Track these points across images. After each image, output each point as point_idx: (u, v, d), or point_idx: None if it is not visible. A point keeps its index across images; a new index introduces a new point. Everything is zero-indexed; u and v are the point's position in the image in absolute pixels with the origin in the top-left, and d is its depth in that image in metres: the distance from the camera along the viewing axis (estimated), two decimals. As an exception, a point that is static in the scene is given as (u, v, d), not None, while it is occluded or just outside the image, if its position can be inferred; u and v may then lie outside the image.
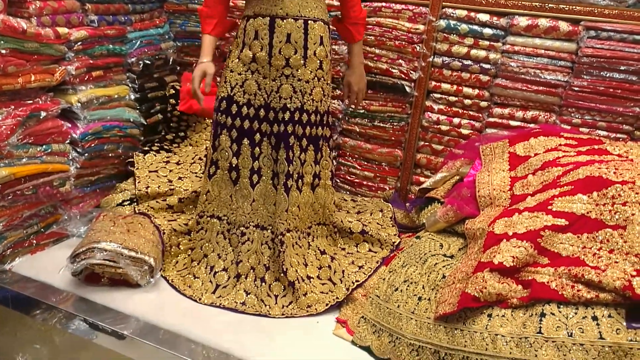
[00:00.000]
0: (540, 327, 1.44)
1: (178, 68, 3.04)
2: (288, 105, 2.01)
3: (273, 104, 2.02)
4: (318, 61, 2.01)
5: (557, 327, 1.43)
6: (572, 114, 2.31)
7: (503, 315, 1.52)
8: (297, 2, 1.92)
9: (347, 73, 2.27)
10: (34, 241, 2.18)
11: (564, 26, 2.19)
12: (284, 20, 1.93)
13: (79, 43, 2.24)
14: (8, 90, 1.96)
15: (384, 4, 2.45)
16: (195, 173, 2.58)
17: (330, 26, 2.12)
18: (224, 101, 2.05)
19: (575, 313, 1.44)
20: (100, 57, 2.39)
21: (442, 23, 2.38)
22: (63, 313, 1.85)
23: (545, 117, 2.35)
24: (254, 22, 1.95)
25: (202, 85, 2.00)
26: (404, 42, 2.44)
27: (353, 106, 2.46)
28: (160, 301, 1.93)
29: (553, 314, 1.46)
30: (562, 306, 1.47)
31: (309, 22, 1.96)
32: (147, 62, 2.72)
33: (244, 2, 2.04)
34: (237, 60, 2.01)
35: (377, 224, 2.35)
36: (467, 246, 1.89)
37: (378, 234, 2.24)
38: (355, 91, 2.26)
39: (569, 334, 1.40)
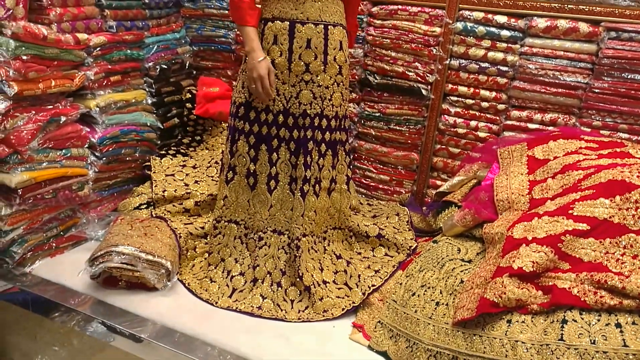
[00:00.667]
0: (562, 334, 1.41)
1: (194, 72, 3.07)
2: (308, 111, 2.00)
3: (292, 110, 2.01)
4: (337, 66, 2.00)
5: (580, 334, 1.40)
6: (593, 116, 2.27)
7: (523, 322, 1.50)
8: (318, 7, 1.91)
9: None
10: (54, 244, 2.21)
11: (584, 27, 2.16)
12: (304, 25, 1.91)
13: (98, 49, 2.28)
14: (29, 95, 1.99)
15: (399, 6, 2.44)
16: (212, 177, 2.59)
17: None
18: (242, 107, 2.04)
19: (598, 320, 1.41)
20: (119, 62, 2.43)
21: (459, 25, 2.36)
22: (81, 316, 1.86)
23: (565, 119, 2.31)
24: (272, 26, 1.94)
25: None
26: (420, 45, 2.43)
27: None
28: (177, 304, 1.94)
29: (575, 321, 1.43)
30: (584, 313, 1.44)
31: (329, 27, 1.94)
32: (164, 66, 2.75)
33: (261, 4, 2.01)
34: (255, 65, 2.00)
35: (394, 227, 2.33)
36: (486, 251, 1.86)
37: (394, 238, 2.22)
38: None
39: (592, 341, 1.37)
